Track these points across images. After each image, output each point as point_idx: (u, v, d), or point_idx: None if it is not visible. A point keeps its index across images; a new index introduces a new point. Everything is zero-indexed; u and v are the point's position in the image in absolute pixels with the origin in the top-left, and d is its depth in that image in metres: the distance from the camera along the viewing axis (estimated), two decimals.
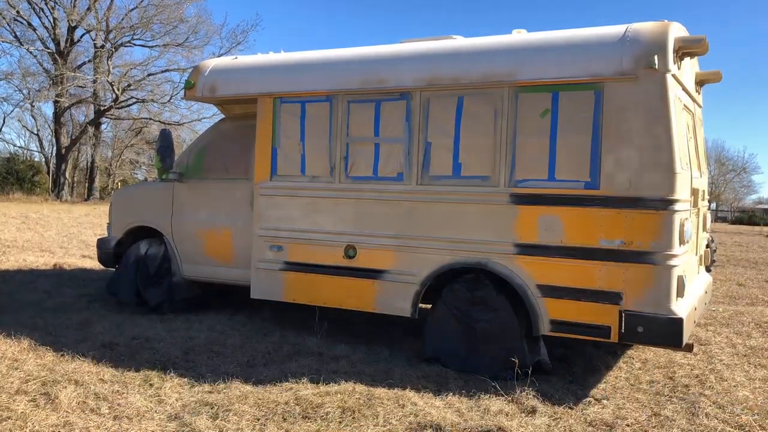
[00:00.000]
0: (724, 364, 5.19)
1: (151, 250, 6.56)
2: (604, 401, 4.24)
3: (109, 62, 30.56)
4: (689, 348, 4.34)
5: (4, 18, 28.76)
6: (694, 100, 5.37)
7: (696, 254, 5.26)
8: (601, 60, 4.38)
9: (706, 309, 7.03)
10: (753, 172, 67.96)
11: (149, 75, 32.29)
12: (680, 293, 4.26)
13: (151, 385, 4.25)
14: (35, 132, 40.53)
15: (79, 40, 31.84)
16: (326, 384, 4.32)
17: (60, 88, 29.60)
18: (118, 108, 32.23)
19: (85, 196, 34.22)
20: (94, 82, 30.81)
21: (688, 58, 4.72)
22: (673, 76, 4.33)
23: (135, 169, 45.95)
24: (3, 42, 29.80)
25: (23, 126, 41.89)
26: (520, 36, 4.94)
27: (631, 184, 4.27)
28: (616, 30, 4.49)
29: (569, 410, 4.06)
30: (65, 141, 32.43)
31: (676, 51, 4.35)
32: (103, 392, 4.04)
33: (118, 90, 30.16)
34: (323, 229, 5.37)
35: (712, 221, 7.42)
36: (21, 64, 32.69)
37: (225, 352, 5.11)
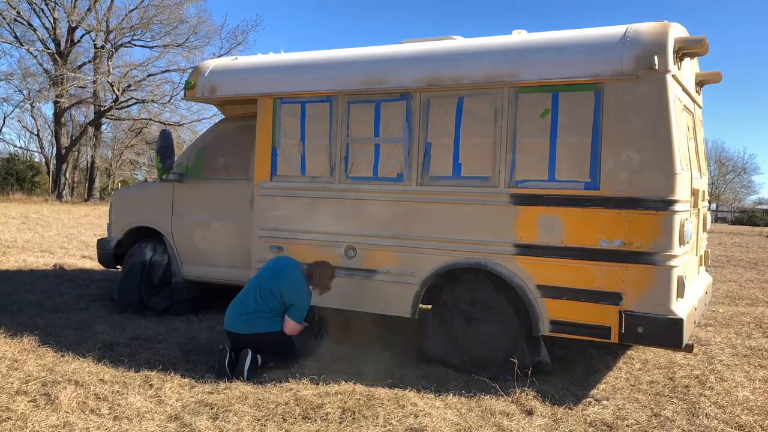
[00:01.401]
0: (724, 364, 5.18)
1: (156, 257, 6.54)
2: (604, 402, 4.24)
3: (109, 63, 30.55)
4: (689, 348, 4.34)
5: (4, 18, 28.77)
6: (694, 101, 5.37)
7: (696, 254, 5.26)
8: (601, 60, 4.38)
9: (706, 309, 7.03)
10: (753, 173, 68.11)
11: (149, 75, 32.30)
12: (680, 294, 4.26)
13: (151, 385, 4.25)
14: (35, 132, 40.60)
15: (79, 41, 31.84)
16: (326, 384, 4.32)
17: (60, 88, 29.60)
18: (118, 108, 32.23)
19: (85, 197, 34.22)
20: (94, 82, 30.81)
21: (688, 58, 4.72)
22: (673, 76, 4.33)
23: (135, 170, 45.96)
24: (3, 42, 29.83)
25: (23, 126, 41.98)
26: (520, 36, 4.94)
27: (632, 184, 4.27)
28: (616, 30, 4.49)
29: (569, 411, 4.06)
30: (65, 141, 32.42)
31: (676, 51, 4.35)
32: (103, 392, 4.04)
33: (118, 90, 30.16)
34: (323, 229, 5.37)
35: (712, 222, 7.42)
36: (21, 65, 32.78)
37: None
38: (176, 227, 6.51)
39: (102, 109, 31.94)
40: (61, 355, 4.78)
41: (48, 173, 37.92)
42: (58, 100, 30.26)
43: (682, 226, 4.25)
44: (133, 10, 30.49)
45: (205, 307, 6.72)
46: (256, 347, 4.68)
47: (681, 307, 4.25)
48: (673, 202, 4.18)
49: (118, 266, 7.04)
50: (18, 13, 28.90)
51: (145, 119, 34.76)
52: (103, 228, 14.85)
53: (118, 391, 4.09)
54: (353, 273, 5.20)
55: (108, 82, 29.94)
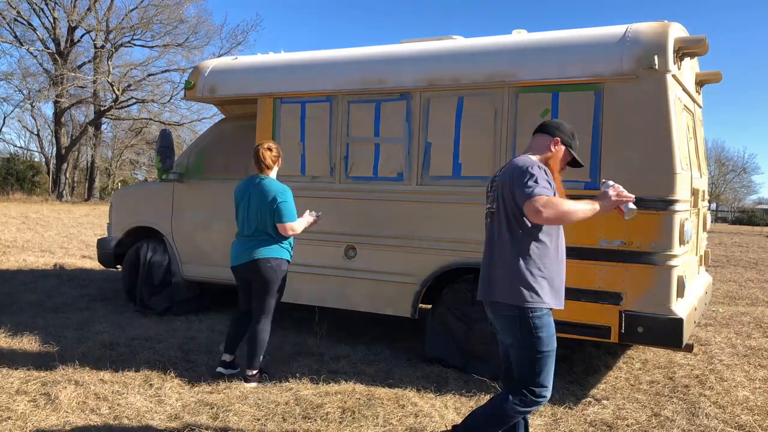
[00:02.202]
0: (724, 364, 5.19)
1: (156, 257, 6.54)
2: (604, 401, 4.24)
3: (109, 62, 30.58)
4: (689, 348, 4.34)
5: (4, 18, 28.81)
6: (694, 101, 5.37)
7: (696, 254, 5.26)
8: (601, 60, 4.38)
9: (706, 309, 7.03)
10: (753, 173, 68.15)
11: (149, 75, 32.34)
12: (680, 293, 4.26)
13: (151, 385, 4.25)
14: (35, 132, 40.64)
15: (79, 41, 31.89)
16: (326, 384, 4.32)
17: (60, 88, 29.62)
18: (118, 108, 32.26)
19: (85, 197, 34.24)
20: (94, 82, 30.84)
21: (688, 58, 4.72)
22: (673, 76, 4.33)
23: (135, 170, 45.98)
24: (3, 42, 29.86)
25: (23, 126, 42.05)
26: (520, 36, 4.94)
27: (632, 184, 4.25)
28: (616, 30, 4.49)
29: (569, 410, 4.06)
30: (65, 141, 32.46)
31: (676, 51, 4.35)
32: (103, 392, 4.04)
33: (118, 90, 30.18)
34: (323, 229, 5.36)
35: (712, 222, 7.42)
36: (21, 65, 32.87)
37: None
38: (176, 227, 6.50)
39: (102, 108, 31.96)
40: (61, 355, 4.78)
41: (48, 173, 37.94)
42: (58, 99, 30.29)
43: (682, 226, 4.25)
44: (133, 9, 30.55)
45: (205, 307, 6.72)
46: (256, 278, 4.41)
47: (681, 307, 4.25)
48: (673, 202, 4.18)
49: (118, 266, 7.04)
50: (18, 12, 28.93)
51: (145, 119, 34.79)
52: (103, 228, 14.85)
53: (118, 391, 4.09)
54: (353, 273, 5.20)
55: (108, 81, 29.96)
